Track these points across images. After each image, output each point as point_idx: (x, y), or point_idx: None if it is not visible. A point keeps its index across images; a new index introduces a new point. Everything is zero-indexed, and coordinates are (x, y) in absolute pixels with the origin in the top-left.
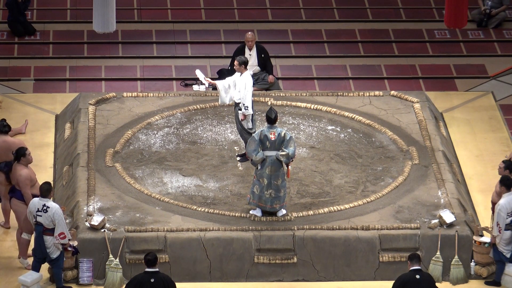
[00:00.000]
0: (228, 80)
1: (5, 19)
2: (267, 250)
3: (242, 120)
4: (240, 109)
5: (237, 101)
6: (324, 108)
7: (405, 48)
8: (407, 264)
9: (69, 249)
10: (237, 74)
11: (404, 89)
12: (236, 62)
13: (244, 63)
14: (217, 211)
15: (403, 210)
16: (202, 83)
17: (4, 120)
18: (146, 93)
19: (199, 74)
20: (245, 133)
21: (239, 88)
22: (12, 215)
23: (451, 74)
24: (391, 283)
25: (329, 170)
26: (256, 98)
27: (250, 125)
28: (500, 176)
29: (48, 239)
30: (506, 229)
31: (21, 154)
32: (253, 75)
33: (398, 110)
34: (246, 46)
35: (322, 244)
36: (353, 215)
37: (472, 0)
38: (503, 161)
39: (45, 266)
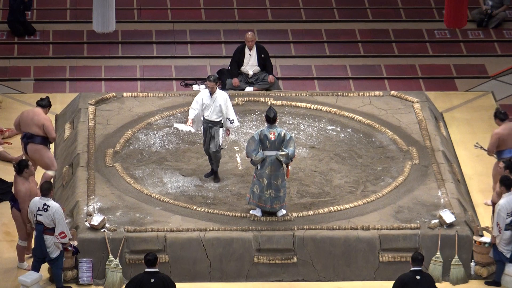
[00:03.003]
0: (198, 106)
1: (5, 19)
2: (267, 250)
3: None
4: (221, 126)
5: (216, 120)
6: (324, 108)
7: (405, 48)
8: (407, 264)
9: (69, 249)
10: (204, 93)
11: (404, 89)
12: (210, 83)
13: (219, 80)
14: (217, 211)
15: (403, 210)
16: (201, 84)
17: (48, 97)
18: (146, 93)
19: (179, 126)
20: (219, 152)
21: (214, 107)
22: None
23: (451, 74)
24: (391, 283)
25: (329, 170)
26: (256, 98)
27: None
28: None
29: (48, 239)
30: (506, 229)
31: (23, 166)
32: (253, 75)
33: (398, 110)
34: (246, 46)
35: (322, 244)
36: (353, 215)
37: (472, 0)
38: (503, 161)
39: (45, 266)
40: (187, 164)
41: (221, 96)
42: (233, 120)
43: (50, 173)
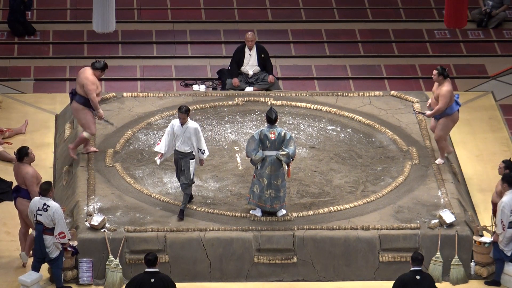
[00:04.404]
0: (169, 139)
1: (5, 19)
2: (267, 250)
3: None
4: (192, 158)
5: (186, 152)
6: (324, 108)
7: (405, 48)
8: (407, 264)
9: (69, 249)
10: (176, 122)
11: (404, 89)
12: (181, 114)
13: (189, 111)
14: (217, 211)
15: (403, 210)
16: (201, 84)
17: (104, 61)
18: (146, 93)
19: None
20: (190, 186)
21: (184, 137)
22: None
23: (451, 74)
24: (391, 283)
25: (329, 170)
26: (256, 98)
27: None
28: (501, 176)
29: (47, 239)
30: (509, 227)
31: (24, 154)
32: (253, 75)
33: (398, 110)
34: (246, 46)
35: (322, 244)
36: (353, 215)
37: (472, 0)
38: (503, 161)
39: (45, 266)
40: None
41: (192, 127)
42: (204, 150)
43: (85, 134)
